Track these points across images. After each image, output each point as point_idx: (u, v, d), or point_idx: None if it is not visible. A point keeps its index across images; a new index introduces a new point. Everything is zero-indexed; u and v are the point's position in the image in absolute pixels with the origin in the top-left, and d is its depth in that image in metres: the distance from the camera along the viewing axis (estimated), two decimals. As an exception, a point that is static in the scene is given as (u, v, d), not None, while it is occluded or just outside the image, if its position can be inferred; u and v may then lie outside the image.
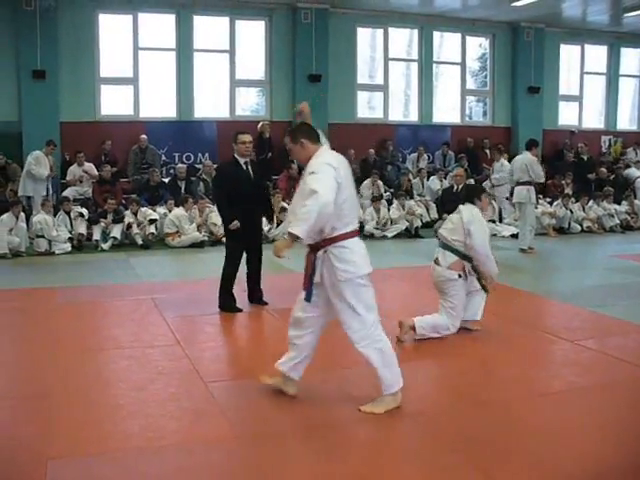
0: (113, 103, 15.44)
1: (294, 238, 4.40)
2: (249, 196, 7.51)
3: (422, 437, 4.46)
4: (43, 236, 11.83)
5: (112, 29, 15.36)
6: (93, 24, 15.04)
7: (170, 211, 13.00)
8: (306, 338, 4.88)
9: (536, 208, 13.79)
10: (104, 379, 5.58)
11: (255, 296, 7.91)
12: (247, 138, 7.54)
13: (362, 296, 4.65)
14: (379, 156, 16.55)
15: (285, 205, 13.53)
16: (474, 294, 6.71)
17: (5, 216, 11.73)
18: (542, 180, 12.63)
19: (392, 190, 15.36)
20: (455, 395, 5.19)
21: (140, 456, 4.14)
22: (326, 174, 4.48)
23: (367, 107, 17.80)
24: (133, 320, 7.33)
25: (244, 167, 7.55)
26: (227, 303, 7.65)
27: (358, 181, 15.70)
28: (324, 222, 4.46)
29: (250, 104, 17.05)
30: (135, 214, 12.85)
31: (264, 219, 8.31)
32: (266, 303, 7.85)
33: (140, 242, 12.48)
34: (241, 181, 7.52)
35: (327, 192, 4.40)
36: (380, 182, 15.18)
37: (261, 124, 15.50)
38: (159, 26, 15.64)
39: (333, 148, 4.88)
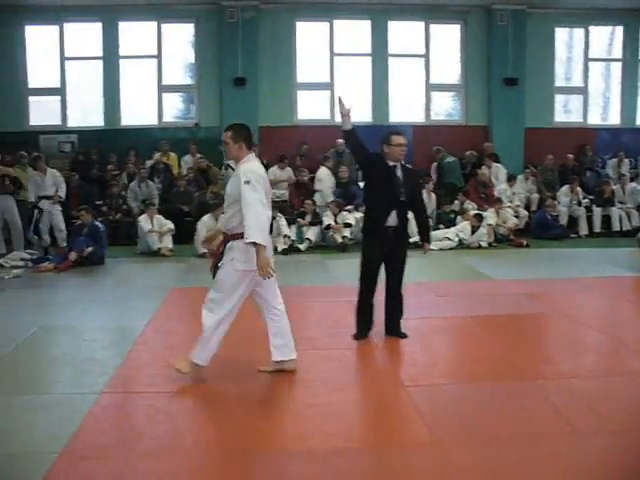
0: (310, 108, 15.85)
1: None
2: (391, 203, 6.41)
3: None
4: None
5: (308, 36, 15.81)
6: (291, 32, 15.56)
7: (365, 215, 13.07)
8: None
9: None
10: (302, 379, 5.57)
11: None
12: (402, 140, 6.47)
13: None
14: (578, 162, 15.86)
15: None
16: None
17: (206, 217, 12.16)
18: None
19: (592, 197, 14.63)
20: None
21: (339, 456, 4.14)
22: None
23: (563, 111, 17.04)
24: (330, 322, 7.34)
25: (393, 170, 6.46)
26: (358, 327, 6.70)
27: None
28: None
29: (445, 108, 16.85)
30: (335, 216, 12.91)
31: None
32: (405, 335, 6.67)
33: (338, 242, 12.49)
34: (386, 183, 6.44)
35: None
36: (579, 189, 14.51)
37: None
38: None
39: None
